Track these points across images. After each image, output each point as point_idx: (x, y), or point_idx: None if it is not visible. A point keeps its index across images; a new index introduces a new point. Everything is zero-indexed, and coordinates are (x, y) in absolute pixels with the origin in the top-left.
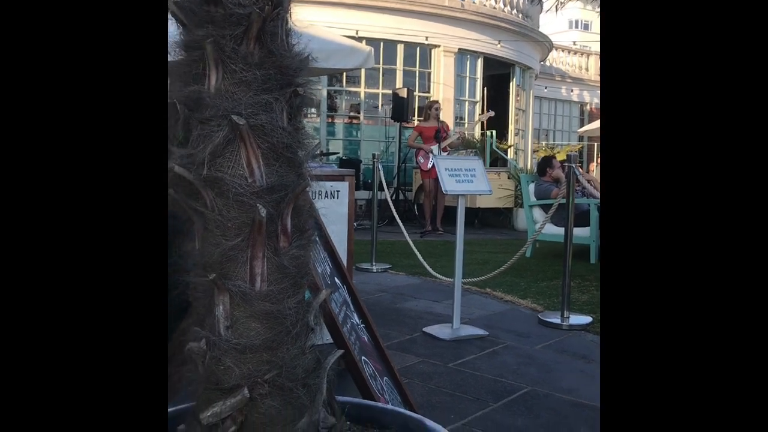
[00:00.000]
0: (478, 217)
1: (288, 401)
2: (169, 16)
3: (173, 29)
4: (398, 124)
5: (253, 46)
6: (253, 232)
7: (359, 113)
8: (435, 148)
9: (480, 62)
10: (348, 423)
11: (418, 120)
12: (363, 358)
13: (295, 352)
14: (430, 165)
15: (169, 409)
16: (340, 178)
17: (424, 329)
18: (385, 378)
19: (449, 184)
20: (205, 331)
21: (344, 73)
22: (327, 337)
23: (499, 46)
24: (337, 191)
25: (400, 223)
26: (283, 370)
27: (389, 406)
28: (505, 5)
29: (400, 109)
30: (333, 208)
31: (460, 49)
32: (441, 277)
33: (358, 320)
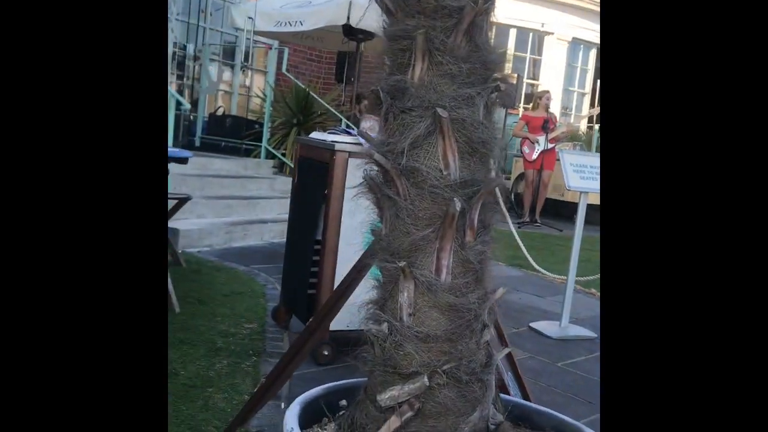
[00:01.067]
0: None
1: (462, 394)
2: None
3: (377, 17)
4: (504, 109)
5: (461, 40)
6: (445, 224)
7: None
8: (542, 138)
9: (593, 53)
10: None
11: (524, 107)
12: None
13: (473, 346)
14: (535, 155)
15: (329, 384)
16: None
17: (531, 324)
18: (509, 373)
19: (573, 180)
20: (387, 316)
21: None
22: None
23: None
24: None
25: (506, 213)
26: (461, 363)
27: (544, 408)
28: None
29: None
30: None
31: (574, 38)
32: (545, 272)
33: None
